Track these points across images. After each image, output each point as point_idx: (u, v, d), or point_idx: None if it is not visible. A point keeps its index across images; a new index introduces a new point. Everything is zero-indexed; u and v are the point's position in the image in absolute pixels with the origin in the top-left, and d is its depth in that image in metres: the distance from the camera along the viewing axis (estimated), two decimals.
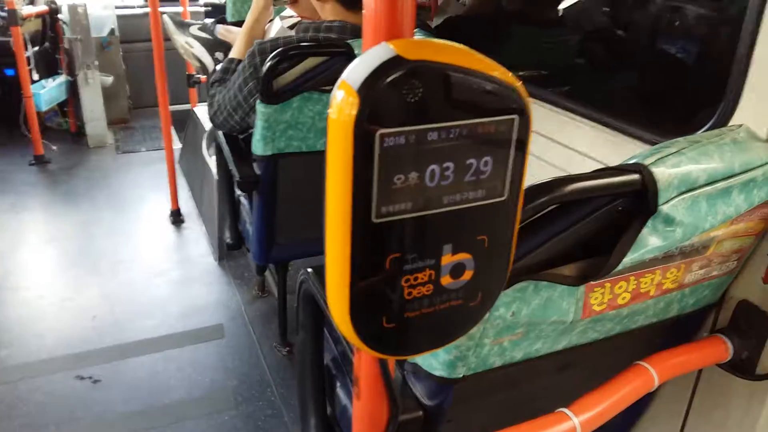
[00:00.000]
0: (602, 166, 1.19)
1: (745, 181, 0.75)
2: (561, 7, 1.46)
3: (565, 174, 1.28)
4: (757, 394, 0.93)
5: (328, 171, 0.43)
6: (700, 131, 1.00)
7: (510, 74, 0.45)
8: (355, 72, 0.41)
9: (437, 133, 0.43)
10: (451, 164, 0.45)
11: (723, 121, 0.93)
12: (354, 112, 0.40)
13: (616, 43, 1.33)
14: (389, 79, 0.40)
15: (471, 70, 0.43)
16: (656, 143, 1.08)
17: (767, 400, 0.92)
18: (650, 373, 0.84)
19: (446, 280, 0.48)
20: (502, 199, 0.48)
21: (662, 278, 0.81)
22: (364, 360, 0.57)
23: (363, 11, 0.49)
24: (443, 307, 0.49)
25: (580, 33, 1.41)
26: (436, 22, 1.70)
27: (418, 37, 1.55)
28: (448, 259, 0.47)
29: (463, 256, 0.48)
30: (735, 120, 0.90)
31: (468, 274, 0.49)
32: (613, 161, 1.17)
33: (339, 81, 0.42)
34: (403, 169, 0.43)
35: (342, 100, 0.41)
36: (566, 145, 1.27)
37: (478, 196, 0.47)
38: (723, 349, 0.88)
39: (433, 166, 0.44)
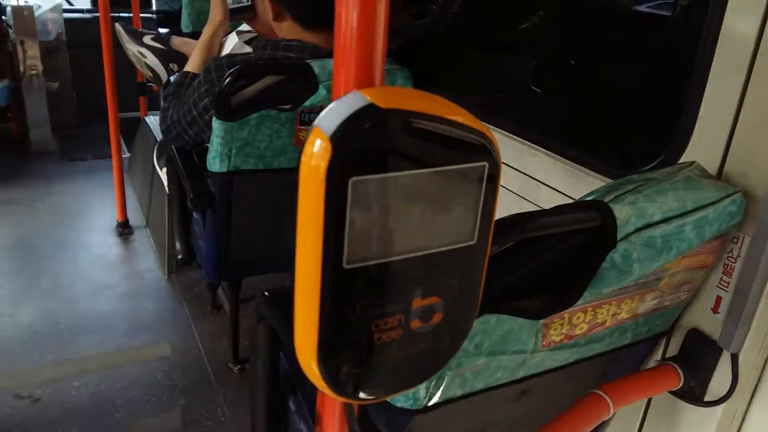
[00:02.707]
0: (555, 193, 1.23)
1: (698, 218, 0.78)
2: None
3: (519, 199, 1.31)
4: (704, 420, 0.96)
5: (299, 217, 0.42)
6: (649, 165, 1.04)
7: (479, 122, 0.45)
8: (328, 119, 0.41)
9: (409, 179, 0.43)
10: (422, 210, 0.45)
11: (674, 157, 0.96)
12: (327, 159, 0.40)
13: (570, 73, 1.36)
14: (363, 127, 0.40)
15: (442, 118, 0.43)
16: (608, 174, 1.12)
17: (714, 426, 0.95)
18: (606, 402, 0.85)
19: (416, 324, 0.48)
20: (472, 243, 0.48)
21: (618, 309, 0.83)
22: (328, 400, 0.57)
23: (334, 56, 0.48)
24: (412, 350, 0.49)
25: (536, 60, 1.44)
26: (395, 44, 1.71)
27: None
28: (417, 303, 0.47)
29: (432, 300, 0.48)
30: (686, 156, 0.93)
31: (437, 317, 0.49)
32: (567, 189, 1.21)
33: (312, 127, 0.41)
34: (375, 215, 0.43)
35: (314, 147, 0.41)
36: (522, 171, 1.29)
37: (448, 240, 0.47)
38: (674, 377, 0.91)
39: (404, 212, 0.44)
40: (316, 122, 0.41)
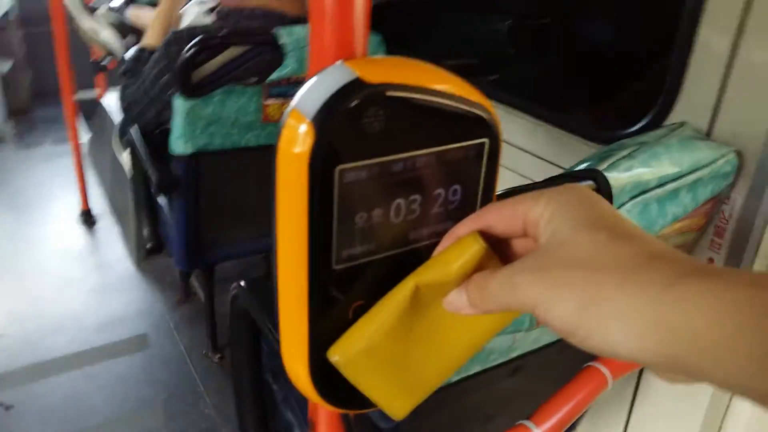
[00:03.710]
0: (536, 159, 1.19)
1: (693, 180, 0.74)
2: None
3: (505, 169, 1.26)
4: (701, 385, 0.94)
5: (278, 213, 0.37)
6: (635, 127, 1.00)
7: (478, 93, 0.40)
8: (308, 98, 0.35)
9: (403, 163, 0.38)
10: (417, 197, 0.40)
11: (660, 118, 0.92)
12: (308, 145, 0.34)
13: (549, 33, 1.31)
14: (349, 107, 0.35)
15: (438, 91, 0.38)
16: (591, 137, 1.08)
17: (709, 389, 0.94)
18: (603, 374, 0.83)
19: None
20: None
21: None
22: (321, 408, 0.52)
23: (310, 20, 0.42)
24: None
25: (515, 20, 1.38)
26: None
27: None
28: None
29: None
30: (673, 116, 0.90)
31: None
32: (550, 155, 1.17)
33: (288, 109, 0.36)
34: (365, 206, 0.38)
35: (293, 132, 0.35)
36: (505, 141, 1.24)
37: (446, 228, 0.42)
38: None
39: (398, 201, 0.39)
40: (293, 103, 0.35)
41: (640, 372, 1.04)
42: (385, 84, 0.35)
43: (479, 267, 0.38)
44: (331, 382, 0.41)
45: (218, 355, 1.91)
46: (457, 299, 0.38)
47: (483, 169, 0.42)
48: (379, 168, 0.37)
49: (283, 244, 0.37)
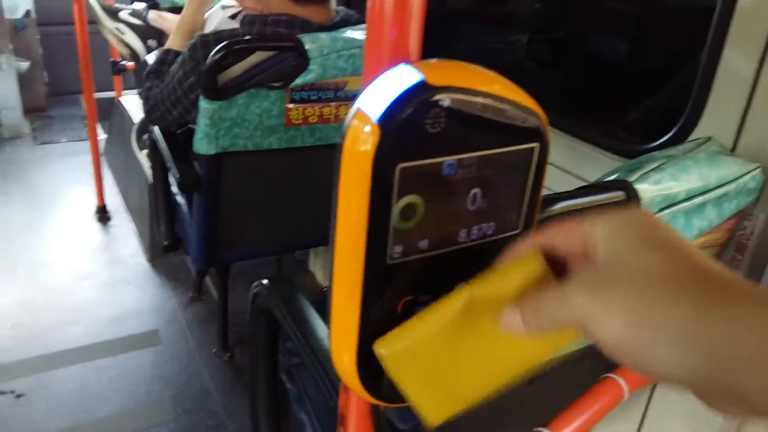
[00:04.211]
0: (562, 172, 1.20)
1: (719, 195, 0.75)
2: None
3: None
4: None
5: (339, 208, 0.38)
6: (658, 142, 1.01)
7: (531, 98, 0.42)
8: (374, 99, 0.36)
9: (458, 164, 0.39)
10: (468, 197, 0.41)
11: (685, 133, 0.94)
12: (373, 144, 0.36)
13: (569, 45, 1.32)
14: (415, 108, 0.36)
15: (496, 96, 0.39)
16: (613, 150, 1.09)
17: None
18: (620, 386, 0.84)
19: None
20: (516, 231, 0.45)
21: None
22: (353, 400, 0.53)
23: (367, 22, 0.44)
24: None
25: (531, 32, 1.40)
26: None
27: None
28: None
29: None
30: (698, 131, 0.91)
31: None
32: (571, 166, 1.18)
33: (353, 110, 0.37)
34: (421, 205, 0.39)
35: (358, 131, 0.36)
36: None
37: (493, 230, 0.43)
38: None
39: (452, 202, 0.40)
40: (358, 105, 0.37)
41: (653, 386, 1.05)
42: (449, 87, 0.37)
43: (536, 286, 0.38)
44: (373, 373, 0.42)
45: (228, 354, 1.92)
46: (512, 317, 0.38)
47: (532, 174, 0.43)
48: (436, 168, 0.38)
49: (341, 237, 0.38)
